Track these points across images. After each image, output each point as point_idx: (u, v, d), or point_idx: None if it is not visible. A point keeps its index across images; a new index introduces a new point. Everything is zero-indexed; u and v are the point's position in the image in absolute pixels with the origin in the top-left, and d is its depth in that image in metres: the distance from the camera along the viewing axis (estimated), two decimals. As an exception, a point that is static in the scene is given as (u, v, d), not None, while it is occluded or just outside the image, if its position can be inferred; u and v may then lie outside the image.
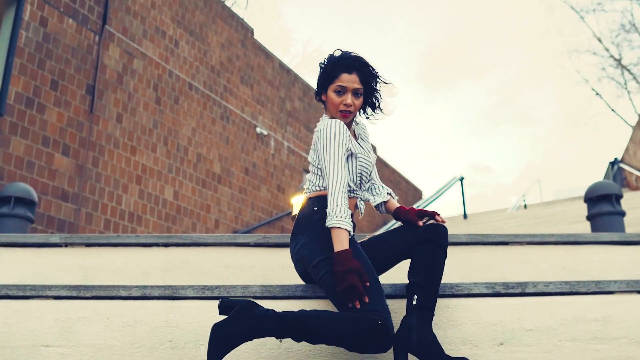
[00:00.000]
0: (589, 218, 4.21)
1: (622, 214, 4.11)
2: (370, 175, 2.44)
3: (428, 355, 2.09)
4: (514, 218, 9.92)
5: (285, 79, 11.68)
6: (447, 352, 2.28)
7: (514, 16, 44.02)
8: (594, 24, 31.87)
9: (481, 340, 2.32)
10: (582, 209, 7.57)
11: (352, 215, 2.39)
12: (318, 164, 2.35)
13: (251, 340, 2.04)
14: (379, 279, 2.20)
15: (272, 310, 2.06)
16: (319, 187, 2.36)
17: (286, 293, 2.41)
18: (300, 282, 2.64)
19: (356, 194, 2.40)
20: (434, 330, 2.26)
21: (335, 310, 2.24)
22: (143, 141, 8.16)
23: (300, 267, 2.34)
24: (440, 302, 2.36)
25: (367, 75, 2.36)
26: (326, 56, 2.41)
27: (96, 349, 2.34)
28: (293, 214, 8.11)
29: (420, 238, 2.26)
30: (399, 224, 2.50)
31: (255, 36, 11.24)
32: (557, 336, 2.32)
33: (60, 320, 2.39)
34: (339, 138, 2.26)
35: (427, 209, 2.63)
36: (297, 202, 7.32)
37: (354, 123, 2.52)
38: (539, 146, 50.24)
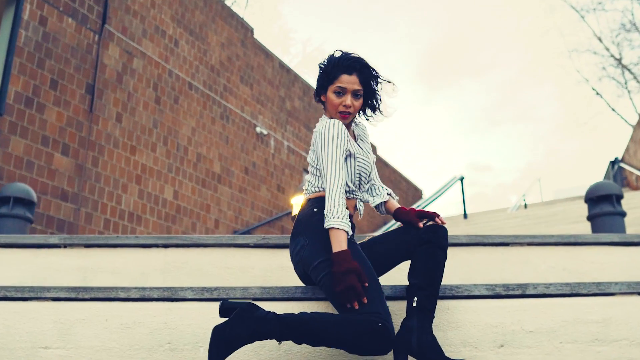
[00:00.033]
0: (589, 218, 4.21)
1: (623, 214, 4.10)
2: (369, 176, 2.43)
3: (428, 357, 2.08)
4: (514, 218, 9.92)
5: (285, 78, 11.67)
6: (447, 354, 2.27)
7: (514, 16, 44.02)
8: (595, 24, 31.88)
9: (481, 342, 2.31)
10: (583, 208, 7.56)
11: (351, 216, 2.39)
12: (317, 165, 2.34)
13: (252, 342, 2.04)
14: (379, 280, 2.19)
15: (273, 313, 2.05)
16: (319, 188, 2.35)
17: (286, 295, 2.40)
18: (300, 283, 2.63)
19: (355, 194, 2.39)
20: (434, 332, 2.25)
21: (336, 312, 2.23)
22: (143, 141, 8.15)
23: (300, 268, 2.33)
24: (441, 304, 2.35)
25: (367, 77, 2.35)
26: (326, 57, 2.40)
27: (95, 351, 2.33)
28: (293, 214, 8.11)
29: (420, 239, 2.25)
30: (399, 224, 2.49)
31: (255, 36, 11.23)
32: (558, 338, 2.32)
33: (58, 322, 2.38)
34: (337, 138, 2.25)
35: (428, 209, 2.61)
36: (297, 203, 7.32)
37: (353, 124, 2.51)
38: (539, 145, 50.26)
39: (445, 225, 2.30)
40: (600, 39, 20.00)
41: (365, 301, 2.04)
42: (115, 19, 8.00)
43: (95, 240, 3.24)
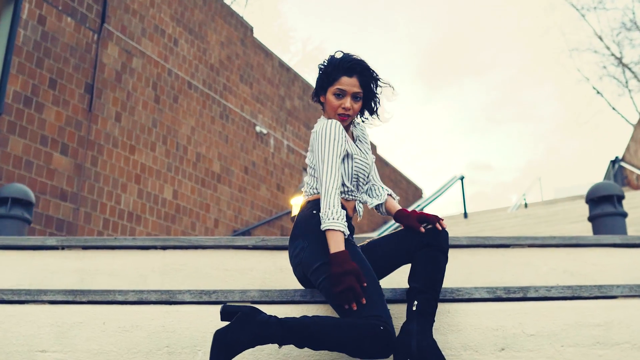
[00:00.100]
0: (590, 219, 4.19)
1: (624, 215, 4.09)
2: (367, 177, 2.41)
3: (428, 361, 2.06)
4: (515, 217, 9.90)
5: (285, 77, 11.65)
6: (447, 358, 2.26)
7: (514, 15, 43.98)
8: (595, 22, 31.94)
9: (482, 345, 2.29)
10: (583, 208, 7.55)
11: (350, 218, 2.37)
12: (315, 166, 2.32)
13: (253, 347, 2.02)
14: (379, 283, 2.17)
15: (275, 317, 2.03)
16: (317, 189, 2.33)
17: (285, 298, 2.38)
18: (299, 286, 2.61)
19: (354, 195, 2.37)
20: (434, 336, 2.23)
21: (336, 315, 2.21)
22: (142, 140, 8.13)
23: (300, 271, 2.31)
24: (441, 307, 2.33)
25: (368, 80, 2.33)
26: (327, 57, 2.38)
27: (92, 355, 2.32)
28: (293, 215, 8.08)
29: (421, 242, 2.23)
30: (399, 225, 2.46)
31: (255, 34, 11.20)
32: (559, 341, 2.30)
33: (56, 325, 2.36)
34: (335, 139, 2.23)
35: (428, 208, 2.59)
36: (297, 203, 7.30)
37: (352, 125, 2.48)
38: (540, 144, 50.23)
39: (446, 229, 2.28)
40: (600, 38, 19.98)
41: (364, 302, 2.02)
42: (115, 18, 7.98)
43: (93, 242, 3.22)
